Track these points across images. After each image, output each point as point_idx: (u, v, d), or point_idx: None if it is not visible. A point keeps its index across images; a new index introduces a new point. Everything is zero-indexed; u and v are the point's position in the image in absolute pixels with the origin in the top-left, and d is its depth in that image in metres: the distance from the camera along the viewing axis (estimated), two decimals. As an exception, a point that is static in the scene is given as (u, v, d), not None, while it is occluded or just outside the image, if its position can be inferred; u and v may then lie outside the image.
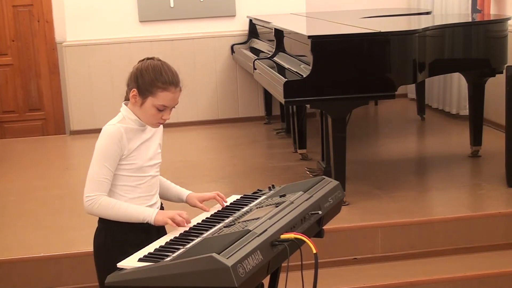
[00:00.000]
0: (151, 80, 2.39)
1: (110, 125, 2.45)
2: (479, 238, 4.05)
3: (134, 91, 2.42)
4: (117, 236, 2.43)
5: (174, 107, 2.47)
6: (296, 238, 2.07)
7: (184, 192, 2.67)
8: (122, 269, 2.02)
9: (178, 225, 2.34)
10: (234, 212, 2.44)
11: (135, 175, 2.46)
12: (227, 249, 1.89)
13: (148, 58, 2.47)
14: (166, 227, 2.46)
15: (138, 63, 2.48)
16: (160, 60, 2.47)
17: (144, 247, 2.18)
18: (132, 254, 2.12)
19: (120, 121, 2.45)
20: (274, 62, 5.16)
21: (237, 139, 6.33)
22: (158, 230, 2.45)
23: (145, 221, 2.39)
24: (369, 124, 7.02)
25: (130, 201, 2.46)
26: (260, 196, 2.60)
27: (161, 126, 2.59)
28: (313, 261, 2.04)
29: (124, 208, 2.40)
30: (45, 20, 7.07)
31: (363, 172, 5.05)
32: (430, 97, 7.11)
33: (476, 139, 5.28)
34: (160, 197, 2.65)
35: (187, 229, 2.32)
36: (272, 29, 5.48)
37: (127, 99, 2.50)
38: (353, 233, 3.98)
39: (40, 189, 5.09)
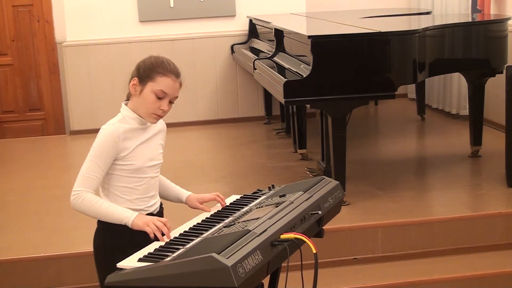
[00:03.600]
0: (151, 67, 2.43)
1: (109, 124, 2.45)
2: (479, 238, 4.05)
3: (135, 80, 2.44)
4: (116, 237, 2.42)
5: (173, 102, 2.46)
6: (296, 238, 2.07)
7: (184, 193, 2.66)
8: (122, 269, 2.03)
9: (156, 232, 2.28)
10: (234, 212, 2.44)
11: (133, 176, 2.45)
12: (227, 249, 1.89)
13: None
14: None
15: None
16: (163, 56, 2.50)
17: (143, 247, 2.18)
18: (131, 254, 2.11)
19: (120, 121, 2.45)
20: (274, 62, 5.16)
21: (237, 139, 6.33)
22: None
23: (123, 223, 2.35)
24: (369, 124, 7.02)
25: (128, 202, 2.45)
26: (260, 196, 2.60)
27: (165, 126, 2.59)
28: (313, 261, 2.04)
29: (105, 207, 2.37)
30: (45, 20, 7.07)
31: (363, 172, 5.05)
32: (430, 97, 7.11)
33: (476, 139, 5.28)
34: (160, 197, 2.65)
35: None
36: (272, 29, 5.47)
37: (127, 99, 2.50)
38: (353, 233, 3.98)
39: (40, 189, 5.09)
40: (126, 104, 2.50)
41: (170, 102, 2.45)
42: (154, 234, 2.28)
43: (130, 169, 2.44)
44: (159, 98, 2.42)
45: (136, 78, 2.44)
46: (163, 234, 2.28)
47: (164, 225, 2.30)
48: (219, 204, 2.60)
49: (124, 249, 2.21)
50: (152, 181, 2.52)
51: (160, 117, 2.47)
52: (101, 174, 2.40)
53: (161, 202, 2.62)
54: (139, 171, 2.46)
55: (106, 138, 2.40)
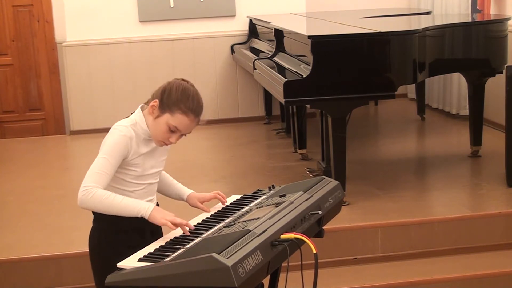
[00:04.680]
0: (176, 100, 2.37)
1: (121, 125, 2.42)
2: (479, 238, 4.05)
3: (156, 102, 2.39)
4: (110, 237, 2.42)
5: (185, 135, 2.44)
6: (296, 238, 2.07)
7: (185, 191, 2.66)
8: (122, 269, 2.03)
9: (178, 226, 2.29)
10: (234, 212, 2.44)
11: (133, 181, 2.45)
12: (227, 249, 1.89)
13: (183, 80, 2.45)
14: (162, 228, 2.43)
15: (173, 80, 2.45)
16: (194, 86, 2.44)
17: (138, 248, 2.18)
18: (125, 254, 2.11)
19: (132, 125, 2.43)
20: (274, 62, 5.16)
21: (237, 139, 6.33)
22: (152, 232, 2.44)
23: (139, 215, 2.31)
24: (369, 124, 7.02)
25: None
26: (260, 196, 2.60)
27: None
28: (313, 261, 2.04)
29: (118, 201, 2.33)
30: (45, 20, 7.07)
31: (363, 172, 5.05)
32: (430, 97, 7.11)
33: (476, 139, 5.28)
34: (161, 193, 2.65)
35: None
36: (272, 29, 5.48)
37: (146, 103, 2.47)
38: (353, 233, 3.98)
39: (40, 189, 5.08)
40: (142, 109, 2.46)
41: (182, 134, 2.43)
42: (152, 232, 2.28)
43: (131, 175, 2.44)
44: (171, 131, 2.40)
45: (157, 101, 2.40)
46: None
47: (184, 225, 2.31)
48: (219, 204, 2.60)
49: (119, 249, 2.21)
50: (150, 187, 2.51)
51: (166, 145, 2.46)
52: (112, 172, 2.37)
53: (157, 202, 2.61)
54: (140, 178, 2.46)
55: (120, 137, 2.38)
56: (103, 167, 2.36)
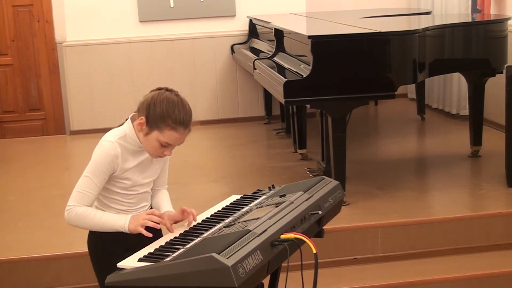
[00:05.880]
0: (162, 115, 2.30)
1: (108, 141, 2.37)
2: (479, 238, 4.05)
3: (142, 119, 2.33)
4: (107, 239, 2.41)
5: (179, 144, 2.40)
6: (296, 238, 2.07)
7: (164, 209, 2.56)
8: (122, 269, 2.03)
9: (152, 225, 2.28)
10: (234, 212, 2.43)
11: (125, 192, 2.44)
12: (227, 249, 1.89)
13: (166, 90, 2.36)
14: (162, 227, 2.41)
15: (155, 90, 2.37)
16: (178, 95, 2.35)
17: (135, 249, 2.17)
18: (123, 257, 2.11)
19: (121, 138, 2.38)
20: (274, 62, 5.16)
21: (237, 139, 6.33)
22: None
23: (120, 230, 2.33)
24: (369, 124, 7.02)
25: (119, 212, 2.44)
26: (260, 196, 2.60)
27: None
28: (313, 261, 2.04)
29: (98, 217, 2.35)
30: (45, 20, 7.07)
31: (363, 172, 5.05)
32: (430, 97, 7.11)
33: (476, 139, 5.28)
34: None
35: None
36: (272, 29, 5.47)
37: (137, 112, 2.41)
38: (353, 233, 3.98)
39: (40, 189, 5.08)
40: (132, 120, 2.40)
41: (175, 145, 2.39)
42: (152, 233, 2.27)
43: (123, 187, 2.43)
44: (164, 146, 2.36)
45: (144, 118, 2.33)
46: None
47: (152, 215, 2.31)
48: (219, 204, 2.58)
49: (116, 251, 2.21)
50: (144, 195, 2.51)
51: (162, 157, 2.42)
52: (96, 191, 2.37)
53: (150, 206, 2.59)
54: (132, 189, 2.45)
55: (104, 156, 2.35)
56: (86, 187, 2.36)
